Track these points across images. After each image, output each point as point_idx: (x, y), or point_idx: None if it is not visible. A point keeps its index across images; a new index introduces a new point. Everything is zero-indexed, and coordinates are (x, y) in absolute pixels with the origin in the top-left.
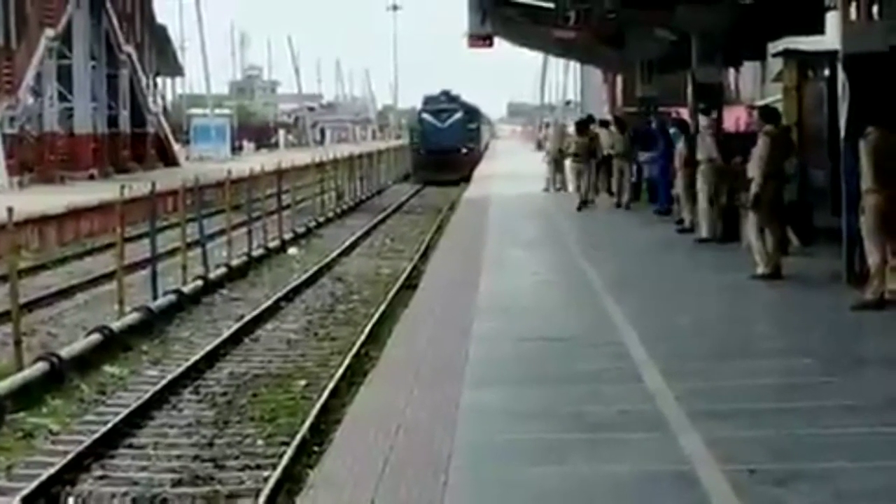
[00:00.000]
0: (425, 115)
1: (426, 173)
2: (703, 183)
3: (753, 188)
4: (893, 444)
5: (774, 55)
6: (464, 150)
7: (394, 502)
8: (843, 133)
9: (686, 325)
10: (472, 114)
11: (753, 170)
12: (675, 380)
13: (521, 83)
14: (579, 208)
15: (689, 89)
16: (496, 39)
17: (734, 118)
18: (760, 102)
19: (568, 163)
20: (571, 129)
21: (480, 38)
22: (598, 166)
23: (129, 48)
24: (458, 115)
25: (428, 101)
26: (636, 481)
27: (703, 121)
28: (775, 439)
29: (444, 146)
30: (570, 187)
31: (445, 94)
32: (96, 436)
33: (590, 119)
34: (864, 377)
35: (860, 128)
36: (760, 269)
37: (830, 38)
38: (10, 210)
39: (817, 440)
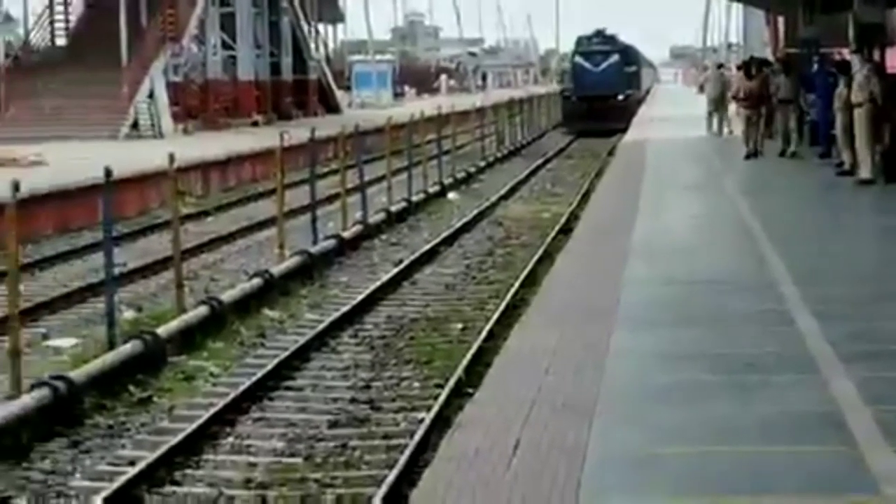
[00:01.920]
0: (578, 58)
1: (578, 123)
2: (863, 124)
3: None
4: None
5: None
6: (621, 97)
7: (538, 443)
8: None
9: (841, 267)
10: (631, 56)
11: None
12: (828, 322)
13: (684, 26)
14: (747, 157)
15: (851, 29)
16: None
17: None
18: None
19: (733, 108)
20: (732, 70)
21: None
22: (770, 113)
23: None
24: (615, 57)
25: (581, 42)
26: (783, 423)
27: (860, 62)
28: None
29: (599, 92)
30: (737, 131)
31: (600, 33)
32: (255, 378)
33: (762, 61)
34: None
35: None
36: None
37: None
38: (171, 156)
39: None
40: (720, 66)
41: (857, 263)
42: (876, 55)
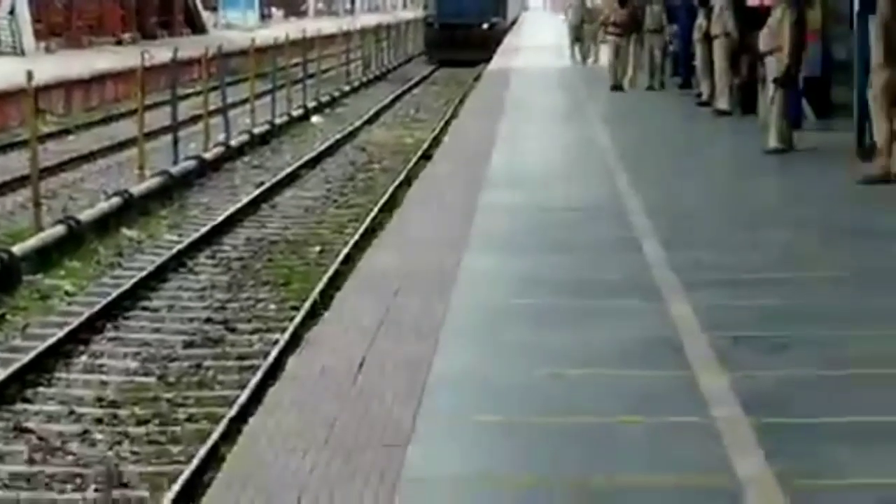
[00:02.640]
0: None
1: (441, 52)
2: (721, 56)
3: (788, 60)
4: (873, 313)
5: None
6: (485, 25)
7: (384, 361)
8: (857, 6)
9: (691, 197)
10: None
11: (766, 44)
12: (674, 250)
13: None
14: (613, 88)
15: None
16: None
17: None
18: None
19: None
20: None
21: None
22: (641, 43)
23: None
24: None
25: None
26: (622, 347)
27: None
28: (764, 308)
29: (463, 20)
30: (603, 60)
31: None
32: (110, 298)
33: None
34: (856, 249)
35: (875, 2)
36: (772, 143)
37: None
38: (29, 73)
39: (804, 310)
40: None
41: (707, 193)
42: None
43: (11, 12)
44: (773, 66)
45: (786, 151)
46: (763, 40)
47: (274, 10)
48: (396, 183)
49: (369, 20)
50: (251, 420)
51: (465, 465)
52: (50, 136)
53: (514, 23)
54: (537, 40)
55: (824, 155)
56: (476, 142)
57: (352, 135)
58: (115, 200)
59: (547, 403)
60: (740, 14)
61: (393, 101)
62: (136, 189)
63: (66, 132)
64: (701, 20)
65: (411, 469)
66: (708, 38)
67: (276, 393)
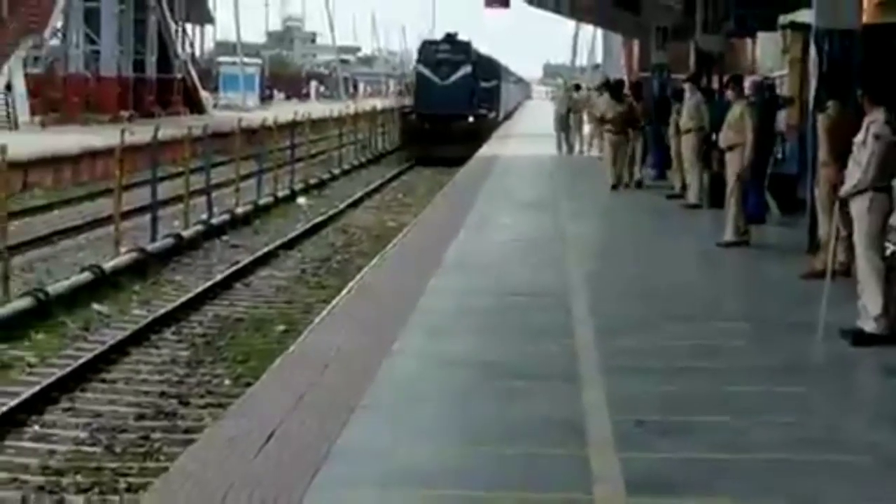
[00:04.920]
0: (420, 68)
1: (417, 146)
2: (690, 150)
3: (748, 157)
4: (779, 402)
5: (782, 27)
6: (471, 118)
7: (291, 434)
8: (811, 106)
9: (636, 287)
10: (487, 68)
11: (726, 139)
12: (605, 338)
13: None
14: (615, 187)
15: (692, 57)
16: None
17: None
18: (778, 73)
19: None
20: (583, 91)
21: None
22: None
23: None
24: (466, 69)
25: (425, 48)
26: (528, 425)
27: (690, 89)
28: (674, 395)
29: (444, 110)
30: (595, 152)
31: (450, 39)
32: (68, 369)
33: (619, 84)
34: (781, 342)
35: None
36: (728, 237)
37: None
38: (2, 148)
39: (712, 397)
40: (577, 86)
41: (651, 285)
42: (717, 82)
43: (8, 88)
44: (733, 162)
45: (740, 245)
46: (723, 136)
47: (276, 92)
48: (370, 265)
49: (368, 104)
50: (155, 481)
51: None
52: (34, 209)
53: (514, 111)
54: (529, 127)
55: (778, 250)
56: (441, 228)
57: (335, 217)
58: (86, 275)
59: (433, 477)
60: (712, 109)
61: (384, 184)
62: (109, 264)
63: (51, 206)
64: (674, 115)
65: None
66: (680, 132)
67: (187, 456)
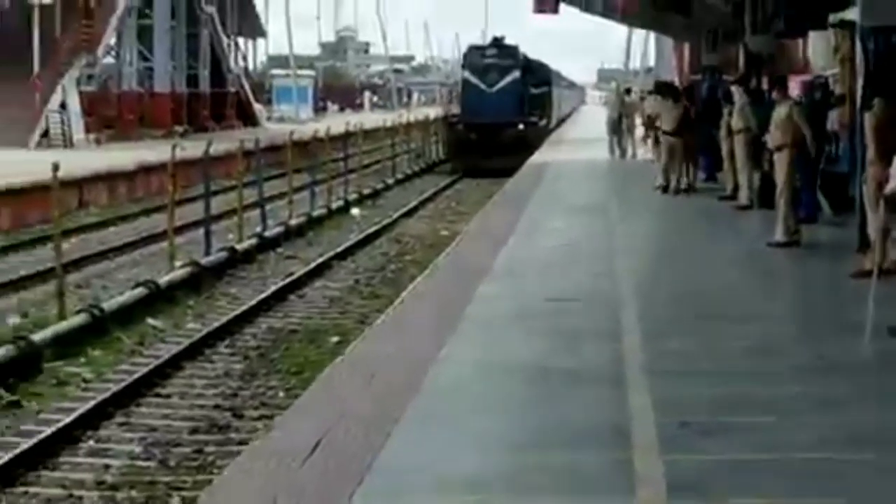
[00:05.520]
0: (467, 74)
1: (464, 158)
2: (741, 151)
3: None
4: (825, 402)
5: (831, 25)
6: (521, 126)
7: (335, 444)
8: (858, 104)
9: (685, 289)
10: (538, 74)
11: (774, 140)
12: (653, 340)
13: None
14: (665, 190)
15: (742, 58)
16: (562, 6)
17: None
18: (830, 72)
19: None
20: (634, 95)
21: (546, 4)
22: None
23: (210, 8)
24: (514, 73)
25: (471, 53)
26: (573, 430)
27: (737, 91)
28: (720, 397)
29: (492, 118)
30: (647, 156)
31: (497, 43)
32: (124, 384)
33: (669, 86)
34: (829, 341)
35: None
36: (778, 237)
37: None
38: (55, 166)
39: (758, 398)
40: (628, 90)
41: (699, 286)
42: (766, 83)
43: (63, 106)
44: (781, 163)
45: (791, 245)
46: (771, 137)
47: (329, 103)
48: (422, 276)
49: (422, 113)
50: (201, 494)
51: None
52: (91, 226)
53: (563, 120)
54: (582, 132)
55: (829, 250)
56: (491, 235)
57: (389, 227)
58: (140, 290)
59: (476, 484)
60: (761, 109)
61: (435, 194)
62: (163, 279)
63: (106, 223)
64: (726, 116)
65: None
66: (731, 134)
67: (232, 467)
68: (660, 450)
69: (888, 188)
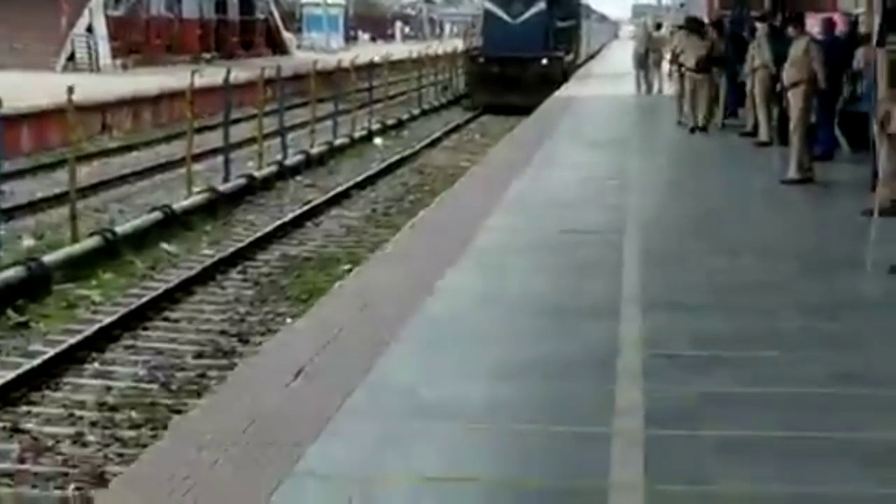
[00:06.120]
0: (489, 5)
1: (484, 93)
2: (760, 88)
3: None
4: (821, 337)
5: None
6: (545, 60)
7: (327, 367)
8: (874, 41)
9: (691, 224)
10: (565, 5)
11: (789, 77)
12: (654, 273)
13: None
14: (693, 130)
15: None
16: None
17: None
18: (856, 11)
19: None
20: (664, 30)
21: None
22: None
23: None
24: (540, 5)
25: None
26: (560, 361)
27: (760, 28)
28: (713, 330)
29: (514, 52)
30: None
31: None
32: (131, 307)
33: (697, 21)
34: (831, 278)
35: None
36: (791, 174)
37: None
38: (70, 89)
39: (752, 332)
40: (659, 25)
41: (712, 221)
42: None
43: (89, 30)
44: (796, 99)
45: (804, 182)
46: (786, 73)
47: (361, 33)
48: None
49: (452, 45)
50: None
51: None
52: (113, 150)
53: (593, 55)
54: (610, 68)
55: (843, 187)
56: (507, 167)
57: (411, 157)
58: (155, 215)
59: (455, 410)
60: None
61: (460, 125)
62: (179, 205)
63: (129, 148)
64: (750, 52)
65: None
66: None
67: (218, 390)
68: (643, 382)
69: (892, 126)
